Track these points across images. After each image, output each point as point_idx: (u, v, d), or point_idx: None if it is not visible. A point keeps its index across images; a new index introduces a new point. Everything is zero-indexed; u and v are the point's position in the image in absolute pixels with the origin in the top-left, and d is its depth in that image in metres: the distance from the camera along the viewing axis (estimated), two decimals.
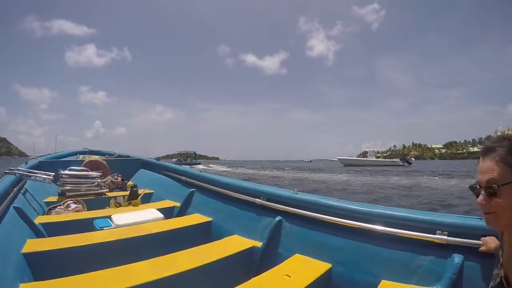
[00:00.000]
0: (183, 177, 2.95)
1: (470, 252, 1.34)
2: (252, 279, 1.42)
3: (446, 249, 1.41)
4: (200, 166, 42.11)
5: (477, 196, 0.80)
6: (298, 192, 1.96)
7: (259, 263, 1.78)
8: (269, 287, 1.35)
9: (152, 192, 3.13)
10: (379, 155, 59.35)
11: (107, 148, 4.89)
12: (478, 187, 0.81)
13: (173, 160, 49.64)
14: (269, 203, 2.02)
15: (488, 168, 0.80)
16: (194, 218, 2.29)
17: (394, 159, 52.40)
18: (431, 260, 1.43)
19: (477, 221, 1.38)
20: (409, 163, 48.20)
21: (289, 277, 1.45)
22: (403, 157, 57.35)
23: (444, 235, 1.43)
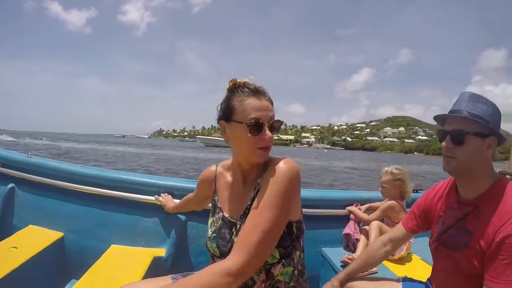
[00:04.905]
0: None
1: None
2: None
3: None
4: None
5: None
6: (32, 156, 1.77)
7: None
8: None
9: None
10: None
11: None
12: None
13: None
14: (3, 168, 1.75)
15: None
16: None
17: None
18: (155, 222, 1.48)
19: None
20: None
21: (16, 248, 1.37)
22: None
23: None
